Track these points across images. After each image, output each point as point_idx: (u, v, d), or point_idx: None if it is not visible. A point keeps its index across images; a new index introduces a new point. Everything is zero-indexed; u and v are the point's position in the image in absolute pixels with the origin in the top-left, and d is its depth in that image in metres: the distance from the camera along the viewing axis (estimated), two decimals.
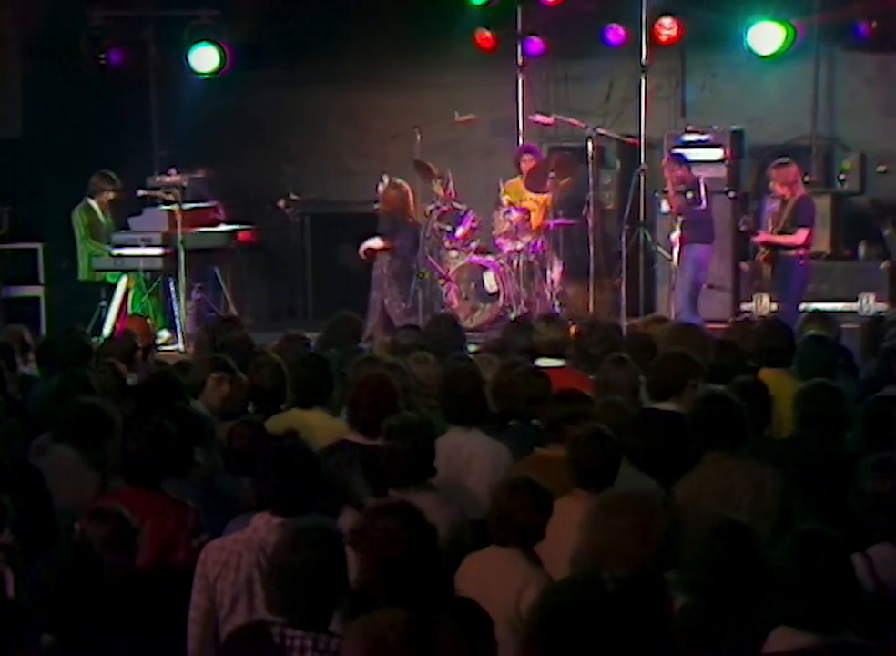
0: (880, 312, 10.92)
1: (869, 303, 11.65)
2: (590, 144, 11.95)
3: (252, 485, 4.54)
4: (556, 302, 11.64)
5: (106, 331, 10.87)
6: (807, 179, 11.91)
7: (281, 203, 12.50)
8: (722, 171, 12.12)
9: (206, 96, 12.71)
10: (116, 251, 11.25)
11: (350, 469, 5.13)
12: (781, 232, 10.10)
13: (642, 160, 12.40)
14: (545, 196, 11.80)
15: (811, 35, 12.03)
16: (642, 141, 12.61)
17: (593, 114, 12.71)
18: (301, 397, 6.19)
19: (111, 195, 11.60)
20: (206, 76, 12.67)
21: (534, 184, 11.80)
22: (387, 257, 11.35)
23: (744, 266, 12.05)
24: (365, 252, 11.44)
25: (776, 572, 3.54)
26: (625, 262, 11.88)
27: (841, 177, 12.30)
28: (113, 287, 11.28)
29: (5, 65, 12.31)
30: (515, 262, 11.62)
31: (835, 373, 6.41)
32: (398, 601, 3.69)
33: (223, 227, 11.95)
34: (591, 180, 11.94)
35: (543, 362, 6.78)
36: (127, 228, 11.44)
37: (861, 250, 12.11)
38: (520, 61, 13.07)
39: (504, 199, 11.86)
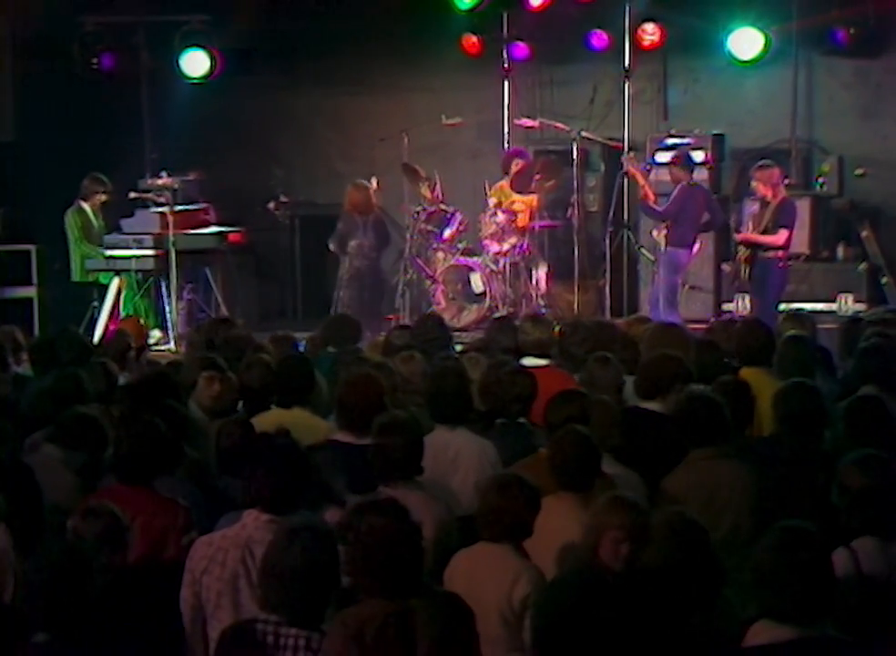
0: (858, 312, 10.98)
1: (847, 304, 11.73)
2: (575, 147, 12.10)
3: (242, 482, 4.52)
4: (542, 303, 11.75)
5: (99, 331, 10.94)
6: (786, 181, 12.10)
7: (271, 205, 12.56)
8: (703, 174, 12.14)
9: (196, 99, 12.75)
10: (108, 253, 11.27)
11: (334, 468, 5.17)
12: (763, 233, 10.24)
13: (625, 164, 12.57)
14: (532, 197, 11.93)
15: (790, 41, 12.14)
16: (625, 144, 12.74)
17: (577, 117, 12.83)
18: (281, 397, 6.21)
19: (103, 197, 11.64)
20: (196, 81, 12.72)
21: (520, 185, 11.93)
22: (347, 257, 11.50)
23: (725, 267, 12.18)
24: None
25: (757, 566, 3.59)
26: (609, 263, 12.03)
27: (820, 179, 12.36)
28: (105, 288, 11.28)
29: None
30: (502, 263, 11.74)
31: (814, 372, 6.48)
32: (379, 595, 3.74)
33: (214, 229, 11.93)
34: (576, 183, 12.07)
35: (527, 361, 6.82)
36: (119, 229, 11.45)
37: (840, 251, 12.19)
38: (506, 65, 13.14)
39: (491, 201, 12.02)
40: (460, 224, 11.92)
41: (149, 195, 11.66)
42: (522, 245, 11.79)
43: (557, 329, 7.56)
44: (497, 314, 11.14)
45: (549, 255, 12.05)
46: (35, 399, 6.44)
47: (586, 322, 7.67)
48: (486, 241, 11.85)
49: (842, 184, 12.40)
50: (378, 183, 12.35)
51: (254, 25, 12.87)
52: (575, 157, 12.10)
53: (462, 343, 9.04)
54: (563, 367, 6.98)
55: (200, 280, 11.97)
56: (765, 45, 11.96)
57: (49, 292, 11.63)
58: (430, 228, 11.96)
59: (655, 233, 11.17)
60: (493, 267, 11.73)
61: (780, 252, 10.20)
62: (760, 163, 10.49)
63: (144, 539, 4.70)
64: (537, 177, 11.81)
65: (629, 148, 12.49)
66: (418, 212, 12.00)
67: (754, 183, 10.30)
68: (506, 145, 13.10)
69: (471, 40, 12.93)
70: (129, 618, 4.26)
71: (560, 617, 3.66)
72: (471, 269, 11.77)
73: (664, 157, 11.95)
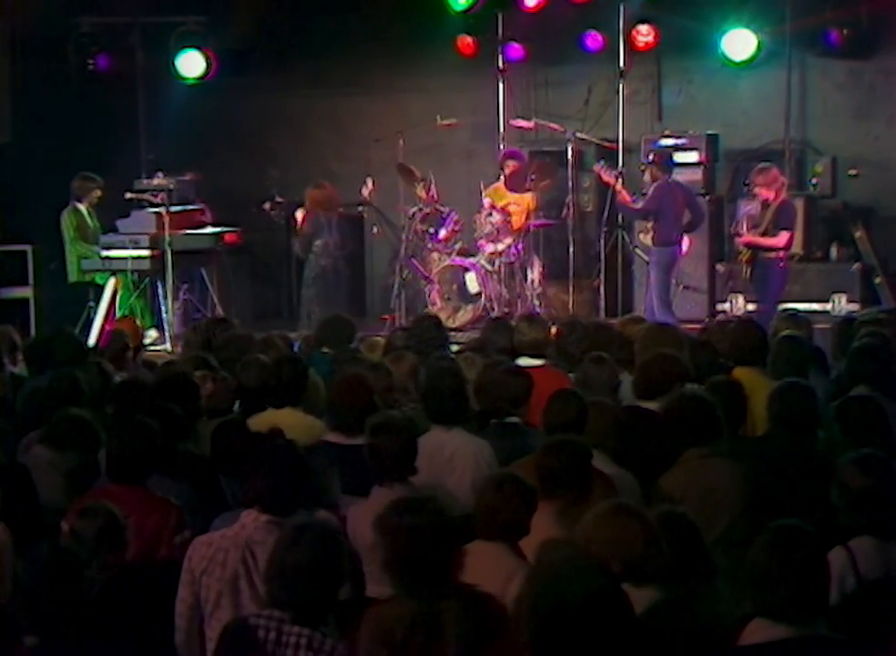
0: (851, 312, 11.01)
1: (840, 304, 11.77)
2: (569, 148, 12.15)
3: (240, 483, 4.52)
4: (537, 303, 11.79)
5: (95, 331, 10.96)
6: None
7: (266, 206, 12.56)
8: (698, 174, 12.23)
9: (192, 100, 12.77)
10: (104, 253, 11.30)
11: (326, 469, 5.19)
12: (763, 235, 10.29)
13: (620, 164, 12.61)
14: (527, 197, 11.97)
15: (784, 43, 12.18)
16: (620, 145, 12.80)
17: (572, 118, 12.88)
18: (274, 397, 6.21)
19: (97, 193, 11.62)
20: (192, 82, 12.74)
21: (515, 184, 11.98)
22: (312, 256, 11.55)
23: (720, 267, 12.25)
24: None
25: (752, 565, 3.59)
26: (603, 263, 12.08)
27: (813, 180, 12.39)
28: (101, 288, 11.27)
29: None
30: (497, 264, 11.79)
31: (808, 372, 6.50)
32: (409, 593, 3.78)
33: (209, 229, 11.99)
34: (570, 183, 12.12)
35: (523, 361, 6.83)
36: (114, 230, 11.48)
37: (833, 251, 12.22)
38: (501, 66, 13.18)
39: (487, 201, 12.06)
40: (455, 224, 11.96)
41: (145, 195, 11.69)
42: (517, 245, 11.83)
43: (554, 328, 7.59)
44: (493, 315, 11.22)
45: (544, 255, 12.09)
46: (31, 399, 6.45)
47: (583, 322, 7.68)
48: (481, 242, 11.90)
49: (835, 185, 12.43)
50: (373, 184, 12.40)
51: (249, 27, 12.92)
52: (569, 157, 12.15)
53: (458, 343, 9.08)
54: (559, 367, 7.00)
55: (196, 280, 12.01)
56: (758, 46, 12.00)
57: (45, 293, 11.65)
58: (425, 228, 12.00)
59: (642, 237, 11.26)
60: (489, 267, 11.77)
61: (781, 253, 10.28)
62: (759, 166, 10.53)
63: (137, 539, 4.68)
64: (532, 177, 11.85)
65: (624, 150, 12.60)
66: (413, 213, 12.04)
67: (756, 188, 10.33)
68: (501, 146, 13.14)
69: (466, 41, 12.96)
70: (122, 619, 4.24)
71: (557, 614, 3.67)
72: (466, 269, 11.82)
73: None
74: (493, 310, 11.57)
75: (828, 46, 12.25)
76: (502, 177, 12.20)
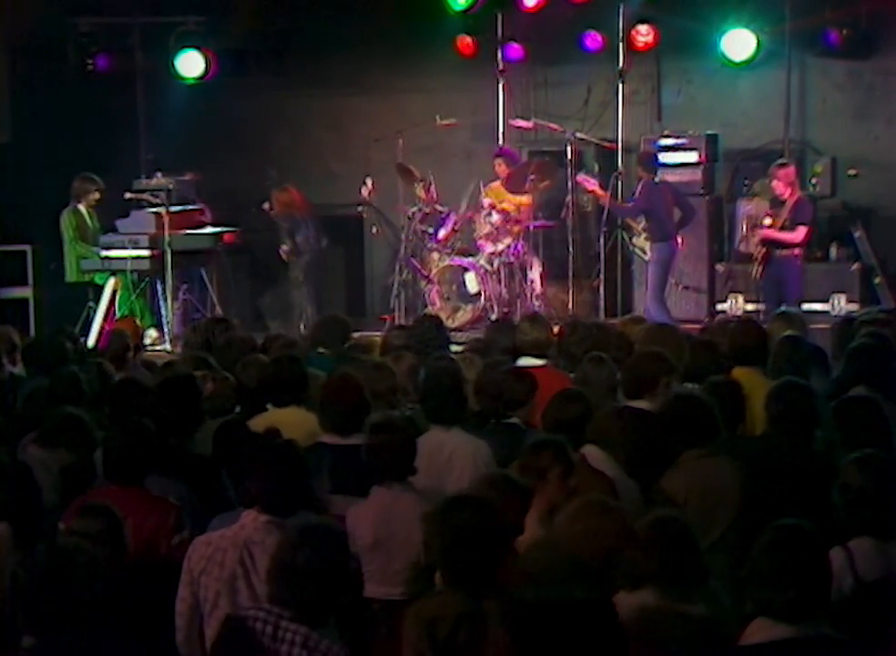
0: (851, 312, 11.02)
1: (840, 304, 11.78)
2: (569, 148, 12.16)
3: (241, 483, 4.53)
4: (536, 303, 11.80)
5: (94, 331, 10.97)
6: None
7: (266, 206, 12.59)
8: (697, 175, 12.25)
9: (192, 100, 12.77)
10: (103, 253, 11.30)
11: (318, 471, 5.18)
12: (780, 231, 10.37)
13: (619, 164, 12.62)
14: (526, 198, 11.99)
15: (783, 43, 12.19)
16: (619, 145, 12.82)
17: (571, 118, 12.88)
18: (276, 396, 6.24)
19: (96, 195, 11.64)
20: (192, 82, 12.74)
21: (514, 185, 11.98)
22: (294, 257, 11.65)
23: (719, 267, 12.27)
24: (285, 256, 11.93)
25: (753, 565, 3.60)
26: (603, 264, 12.09)
27: (813, 180, 12.37)
28: (101, 288, 11.29)
29: None
30: (496, 264, 11.80)
31: (808, 372, 6.50)
32: (455, 588, 3.83)
33: (209, 229, 11.99)
34: (570, 184, 12.12)
35: (524, 361, 6.85)
36: (114, 230, 11.49)
37: (833, 251, 12.23)
38: (500, 66, 13.18)
39: (486, 201, 12.07)
40: (454, 224, 11.97)
41: (145, 195, 11.70)
42: (516, 245, 11.84)
43: (557, 328, 7.60)
44: (492, 315, 11.25)
45: (544, 255, 12.09)
46: (31, 399, 6.46)
47: (586, 322, 7.71)
48: (481, 242, 11.91)
49: (835, 185, 12.44)
50: (373, 184, 12.42)
51: (249, 27, 12.93)
52: (569, 157, 12.16)
53: (458, 343, 9.09)
54: (561, 367, 7.02)
55: (195, 280, 12.02)
56: (758, 46, 12.01)
57: (45, 293, 11.67)
58: (424, 228, 12.02)
59: (635, 240, 11.31)
60: (488, 267, 11.78)
61: (796, 250, 10.36)
62: (779, 161, 10.77)
63: (135, 539, 4.71)
64: (531, 177, 11.85)
65: (623, 150, 12.62)
66: (413, 213, 12.05)
67: (774, 181, 10.49)
68: (501, 146, 13.14)
69: (465, 41, 12.96)
70: (121, 619, 4.23)
71: (534, 618, 3.69)
72: (465, 269, 11.82)
73: (665, 157, 12.01)
74: (493, 310, 11.59)
75: (827, 47, 12.25)
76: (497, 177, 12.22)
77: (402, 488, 5.01)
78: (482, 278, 11.71)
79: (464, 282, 11.83)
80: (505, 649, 3.67)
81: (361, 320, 12.14)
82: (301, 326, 11.57)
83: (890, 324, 7.65)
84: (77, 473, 5.55)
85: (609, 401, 5.95)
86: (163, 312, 11.43)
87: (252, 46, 13.17)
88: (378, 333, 9.03)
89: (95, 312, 11.15)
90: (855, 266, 12.00)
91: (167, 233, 11.24)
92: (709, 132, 12.52)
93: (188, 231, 11.70)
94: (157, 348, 11.12)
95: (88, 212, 11.72)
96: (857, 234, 12.16)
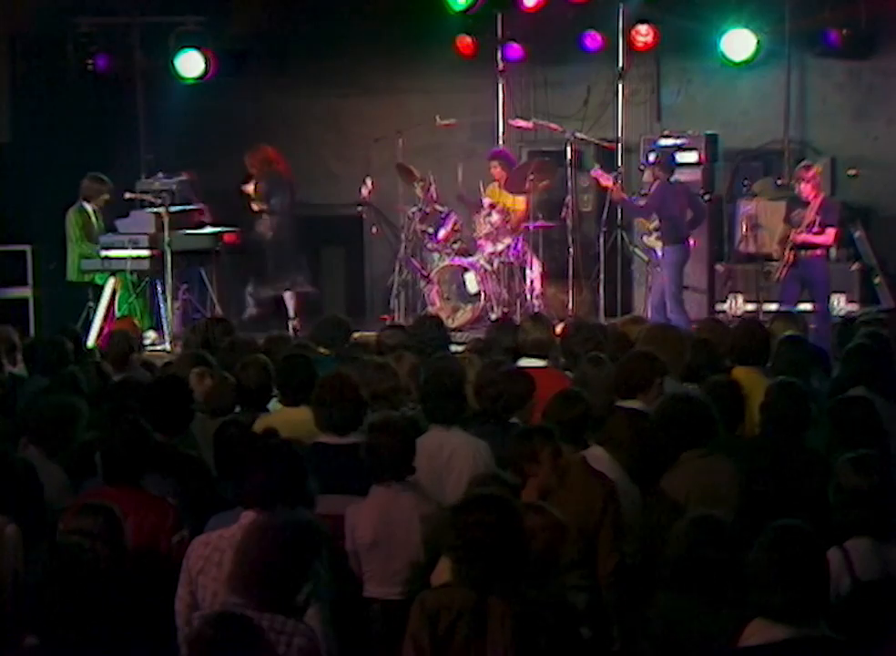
0: (851, 312, 11.07)
1: (840, 304, 11.79)
2: (569, 148, 12.16)
3: (240, 483, 4.55)
4: (536, 303, 11.81)
5: (94, 332, 10.97)
6: (779, 182, 12.19)
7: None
8: (697, 175, 12.24)
9: (191, 100, 12.76)
10: (103, 253, 11.28)
11: (314, 472, 5.11)
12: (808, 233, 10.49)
13: (619, 164, 12.61)
14: (525, 198, 11.99)
15: (783, 43, 12.19)
16: (619, 145, 12.82)
17: (571, 118, 12.88)
18: (288, 395, 6.24)
19: (106, 197, 11.63)
20: (191, 82, 12.73)
21: (513, 186, 11.99)
22: (266, 218, 11.73)
23: (719, 267, 12.27)
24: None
25: (752, 565, 3.62)
26: (602, 264, 12.09)
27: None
28: (101, 288, 11.31)
29: None
30: (496, 263, 11.80)
31: (809, 373, 6.51)
32: (465, 582, 3.87)
33: (209, 229, 11.97)
34: (569, 184, 12.13)
35: (525, 361, 6.86)
36: (113, 230, 11.48)
37: (832, 251, 12.25)
38: (500, 67, 13.20)
39: (486, 201, 12.07)
40: (454, 224, 11.97)
41: (144, 195, 11.70)
42: (516, 245, 11.85)
43: (559, 327, 7.59)
44: (492, 315, 11.25)
45: (543, 255, 12.08)
46: (29, 399, 6.46)
47: (588, 323, 7.71)
48: (481, 241, 11.91)
49: (835, 185, 12.43)
50: (373, 184, 12.42)
51: (249, 27, 12.95)
52: (569, 157, 12.16)
53: (458, 343, 9.08)
54: (562, 366, 7.03)
55: (195, 280, 12.01)
56: (757, 46, 12.01)
57: (45, 293, 11.68)
58: (424, 228, 12.01)
59: (646, 239, 11.29)
60: (488, 267, 11.79)
61: (819, 250, 10.60)
62: (803, 164, 10.93)
63: (135, 539, 4.70)
64: (531, 177, 11.85)
65: (623, 150, 12.61)
66: (413, 213, 12.05)
67: (802, 184, 10.62)
68: (500, 146, 13.14)
69: (465, 41, 12.96)
70: (121, 618, 4.18)
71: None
72: (465, 269, 11.83)
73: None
74: (493, 310, 11.59)
75: (827, 47, 12.26)
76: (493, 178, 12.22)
77: (401, 488, 5.01)
78: (482, 278, 11.72)
79: (464, 282, 11.83)
80: (505, 646, 3.71)
81: (361, 320, 12.13)
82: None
83: (890, 325, 7.66)
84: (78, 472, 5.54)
85: (608, 402, 5.95)
86: (163, 312, 11.41)
87: (252, 46, 13.19)
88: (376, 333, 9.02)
89: (94, 312, 11.17)
90: (855, 266, 11.99)
91: (166, 233, 11.23)
92: (709, 132, 12.52)
93: (188, 231, 11.68)
94: (157, 348, 11.11)
95: (94, 212, 11.71)
96: (857, 234, 12.15)
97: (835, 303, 11.80)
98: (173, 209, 11.49)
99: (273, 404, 6.50)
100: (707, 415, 5.36)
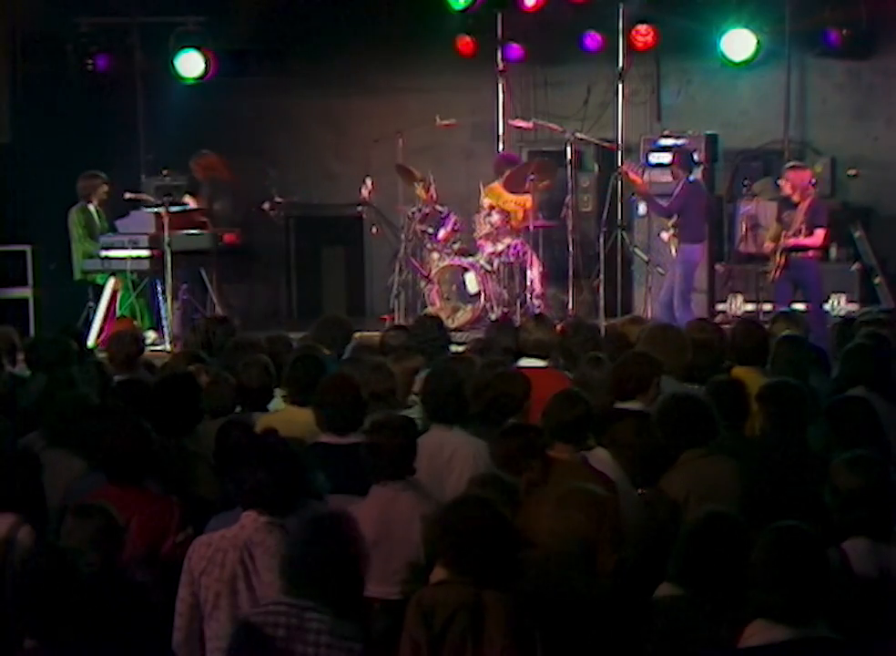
0: (850, 312, 11.08)
1: (840, 304, 11.81)
2: (569, 148, 12.16)
3: (240, 483, 4.52)
4: (536, 303, 11.81)
5: (94, 332, 10.98)
6: (779, 182, 12.18)
7: (266, 206, 12.58)
8: (697, 174, 12.31)
9: (191, 100, 12.78)
10: (103, 253, 11.28)
11: (315, 472, 5.12)
12: (797, 235, 10.45)
13: (619, 164, 12.62)
14: (525, 197, 11.99)
15: (783, 43, 12.21)
16: (619, 145, 12.83)
17: (571, 118, 12.89)
18: (295, 396, 6.22)
19: (105, 188, 11.60)
20: (191, 82, 12.76)
21: (514, 185, 11.99)
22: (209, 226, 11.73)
23: (719, 267, 12.28)
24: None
25: (752, 566, 3.61)
26: (603, 264, 12.10)
27: (813, 180, 12.50)
28: (101, 288, 11.33)
29: None
30: (496, 264, 11.80)
31: (808, 372, 6.50)
32: (459, 578, 3.89)
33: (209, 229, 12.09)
34: (570, 184, 12.13)
35: (525, 362, 6.86)
36: (113, 230, 11.50)
37: (832, 252, 12.22)
38: (500, 67, 13.21)
39: (486, 201, 12.07)
40: (454, 225, 11.98)
41: (144, 195, 11.71)
42: (516, 245, 11.84)
43: (560, 327, 7.58)
44: (492, 315, 11.25)
45: (543, 255, 12.08)
46: (29, 399, 6.48)
47: (589, 323, 7.71)
48: (481, 242, 11.92)
49: (835, 185, 12.49)
50: (372, 184, 12.42)
51: (248, 27, 12.95)
52: (569, 157, 12.16)
53: (458, 343, 9.08)
54: (563, 367, 7.01)
55: (195, 280, 12.00)
56: (757, 46, 12.02)
57: (45, 293, 11.68)
58: (424, 228, 12.01)
59: (665, 236, 11.26)
60: (488, 267, 11.79)
61: (812, 252, 10.53)
62: (793, 163, 10.85)
63: (141, 538, 4.71)
64: (531, 177, 11.86)
65: (623, 150, 12.61)
66: (412, 213, 12.05)
67: (782, 181, 10.55)
68: (500, 146, 13.16)
69: (465, 41, 12.97)
70: (121, 619, 4.23)
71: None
72: (465, 269, 11.83)
73: (658, 158, 12.04)
74: (493, 310, 11.59)
75: (827, 47, 12.29)
76: (499, 178, 12.21)
77: (401, 488, 5.01)
78: (482, 278, 11.71)
79: (464, 282, 11.83)
80: (501, 641, 3.72)
81: (362, 320, 12.14)
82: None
83: (890, 325, 7.66)
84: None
85: (608, 402, 5.94)
86: (163, 312, 11.41)
87: (252, 46, 13.21)
88: (378, 333, 9.02)
89: (95, 312, 11.17)
90: (855, 266, 12.02)
91: (166, 233, 11.21)
92: (709, 132, 12.52)
93: (188, 231, 11.68)
94: (157, 348, 11.10)
95: (97, 211, 11.71)
96: (857, 234, 12.18)
97: (835, 303, 11.84)
98: (173, 209, 11.48)
99: (275, 404, 6.50)
100: (707, 414, 5.36)
